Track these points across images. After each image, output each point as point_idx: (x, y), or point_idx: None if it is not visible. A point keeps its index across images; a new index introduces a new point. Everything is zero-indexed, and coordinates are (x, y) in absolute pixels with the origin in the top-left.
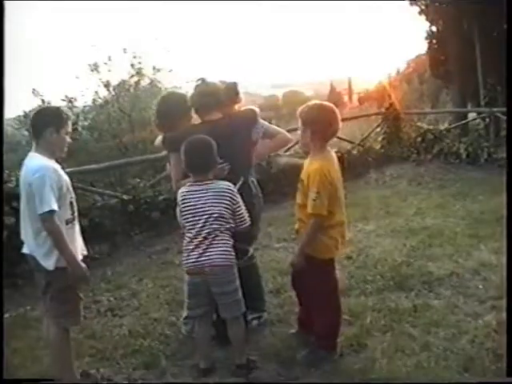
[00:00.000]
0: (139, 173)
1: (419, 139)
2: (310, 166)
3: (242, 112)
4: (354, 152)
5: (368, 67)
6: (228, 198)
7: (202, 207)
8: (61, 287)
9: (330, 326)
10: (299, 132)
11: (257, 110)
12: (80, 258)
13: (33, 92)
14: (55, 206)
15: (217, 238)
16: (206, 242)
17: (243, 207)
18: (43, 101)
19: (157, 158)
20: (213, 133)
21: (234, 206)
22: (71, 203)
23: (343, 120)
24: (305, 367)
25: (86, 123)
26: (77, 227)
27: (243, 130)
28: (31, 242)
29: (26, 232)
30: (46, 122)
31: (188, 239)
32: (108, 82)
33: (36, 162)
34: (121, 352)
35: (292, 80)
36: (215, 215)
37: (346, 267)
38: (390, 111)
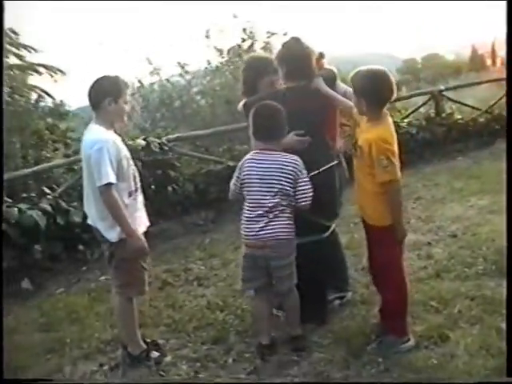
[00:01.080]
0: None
1: None
2: (369, 133)
3: (321, 74)
4: (481, 119)
5: None
6: (292, 173)
7: (265, 179)
8: (124, 258)
9: (396, 303)
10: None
11: (335, 70)
12: (143, 229)
13: (146, 60)
14: (113, 179)
15: (279, 213)
16: (270, 215)
17: (308, 184)
18: (155, 68)
19: None
20: (291, 101)
21: (298, 182)
22: (134, 175)
23: (471, 85)
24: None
25: (197, 89)
26: (140, 198)
27: (323, 97)
28: (94, 215)
29: (89, 204)
30: (103, 92)
31: (248, 211)
32: (219, 47)
33: (94, 135)
34: (195, 324)
35: (433, 43)
36: (276, 189)
37: (448, 246)
38: None
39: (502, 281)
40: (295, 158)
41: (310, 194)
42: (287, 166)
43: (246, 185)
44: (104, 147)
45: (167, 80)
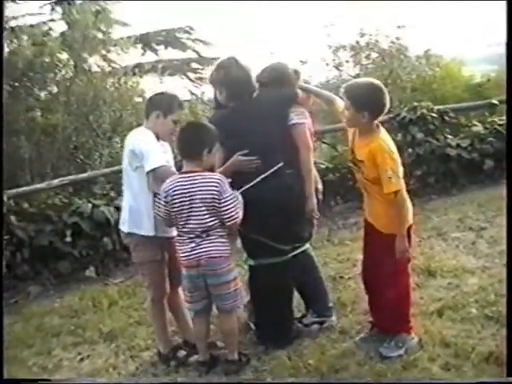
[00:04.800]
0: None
1: None
2: (369, 145)
3: (278, 92)
4: None
5: None
6: (214, 193)
7: (191, 204)
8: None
9: (402, 305)
10: (346, 111)
11: (298, 91)
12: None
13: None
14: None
15: (212, 232)
16: (203, 235)
17: (231, 202)
18: None
19: None
20: (239, 116)
21: (221, 201)
22: None
23: None
24: None
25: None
26: None
27: (278, 112)
28: None
29: None
30: (155, 105)
31: (180, 235)
32: (338, 44)
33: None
34: None
35: None
36: (204, 212)
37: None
38: None
39: (501, 330)
40: (216, 177)
41: (235, 213)
42: (207, 186)
43: (175, 210)
44: None
45: None
